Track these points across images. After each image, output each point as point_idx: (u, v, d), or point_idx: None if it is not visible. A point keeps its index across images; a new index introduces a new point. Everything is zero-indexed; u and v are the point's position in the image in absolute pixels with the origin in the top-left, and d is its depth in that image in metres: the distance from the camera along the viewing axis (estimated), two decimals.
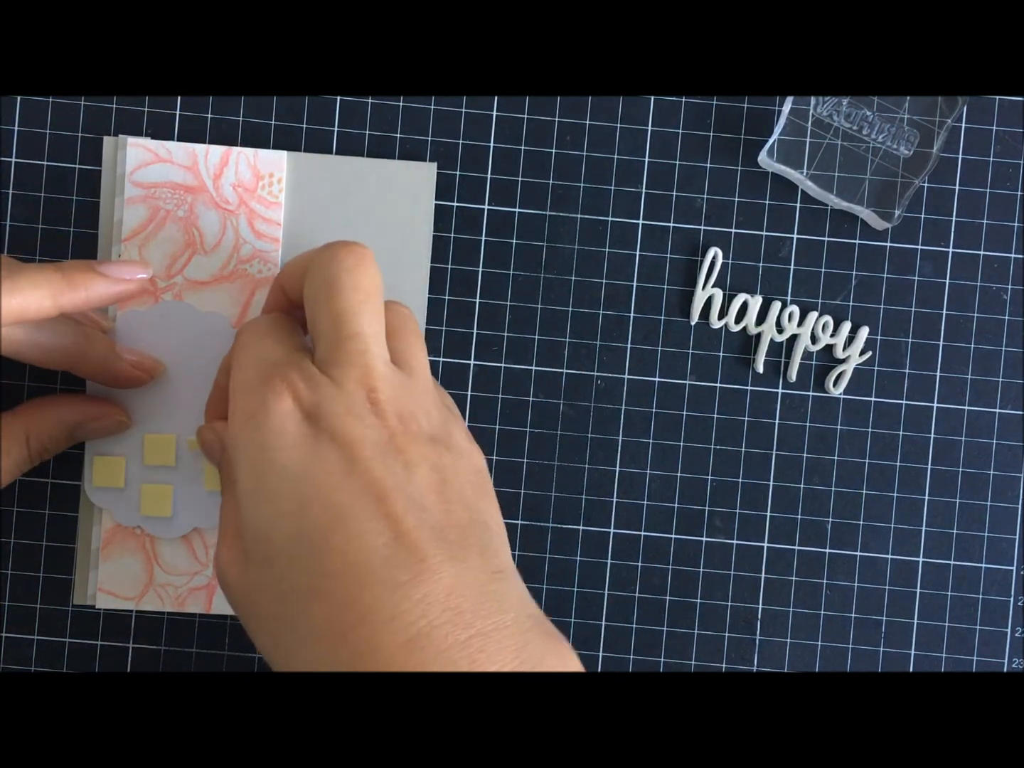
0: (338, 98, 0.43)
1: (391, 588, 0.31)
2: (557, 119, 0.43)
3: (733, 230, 0.44)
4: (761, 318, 0.44)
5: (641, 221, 0.44)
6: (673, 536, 0.44)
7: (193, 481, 0.42)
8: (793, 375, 0.44)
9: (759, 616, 0.44)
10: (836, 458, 0.44)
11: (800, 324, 0.44)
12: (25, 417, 0.40)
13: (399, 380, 0.34)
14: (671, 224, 0.44)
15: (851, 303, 0.44)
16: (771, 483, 0.44)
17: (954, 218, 0.44)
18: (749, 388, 0.44)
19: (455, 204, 0.43)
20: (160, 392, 0.42)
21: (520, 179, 0.43)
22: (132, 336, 0.42)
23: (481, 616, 0.31)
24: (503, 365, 0.43)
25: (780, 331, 0.44)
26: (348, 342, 0.34)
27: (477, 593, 0.31)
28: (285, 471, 0.32)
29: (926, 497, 0.44)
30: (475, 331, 0.43)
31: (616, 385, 0.44)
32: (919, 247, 0.44)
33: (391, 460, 0.33)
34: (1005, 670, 0.44)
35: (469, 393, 0.43)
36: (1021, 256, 0.44)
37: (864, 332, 0.43)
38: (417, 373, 0.35)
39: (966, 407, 0.44)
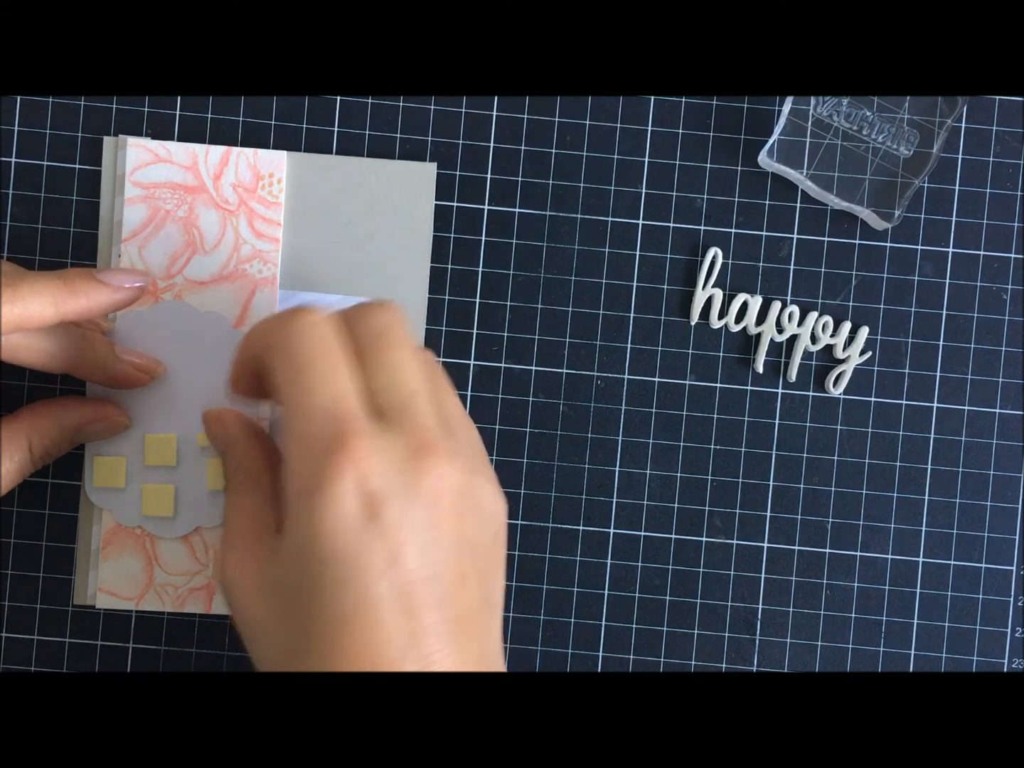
0: (338, 98, 0.43)
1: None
2: (557, 119, 0.43)
3: (733, 230, 0.44)
4: (761, 318, 0.44)
5: (641, 221, 0.44)
6: (673, 536, 0.44)
7: (195, 481, 0.42)
8: (793, 375, 0.44)
9: (759, 616, 0.44)
10: (836, 458, 0.44)
11: (800, 324, 0.44)
12: (26, 421, 0.40)
13: (450, 447, 0.34)
14: (671, 224, 0.44)
15: (851, 303, 0.44)
16: (771, 483, 0.44)
17: (954, 218, 0.44)
18: (749, 388, 0.44)
19: (455, 204, 0.43)
20: (160, 392, 0.42)
21: (520, 179, 0.43)
22: (132, 336, 0.42)
23: None
24: (503, 365, 0.43)
25: (780, 331, 0.44)
26: (410, 400, 0.34)
27: None
28: (333, 553, 0.32)
29: (926, 497, 0.44)
30: (475, 331, 0.43)
31: (616, 385, 0.44)
32: (919, 247, 0.44)
33: (431, 552, 0.33)
34: (1005, 670, 0.44)
35: (469, 393, 0.43)
36: (1021, 256, 0.44)
37: (864, 332, 0.43)
38: (457, 432, 0.35)
39: (966, 407, 0.44)
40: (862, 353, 0.44)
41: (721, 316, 0.44)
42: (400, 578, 0.32)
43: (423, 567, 0.32)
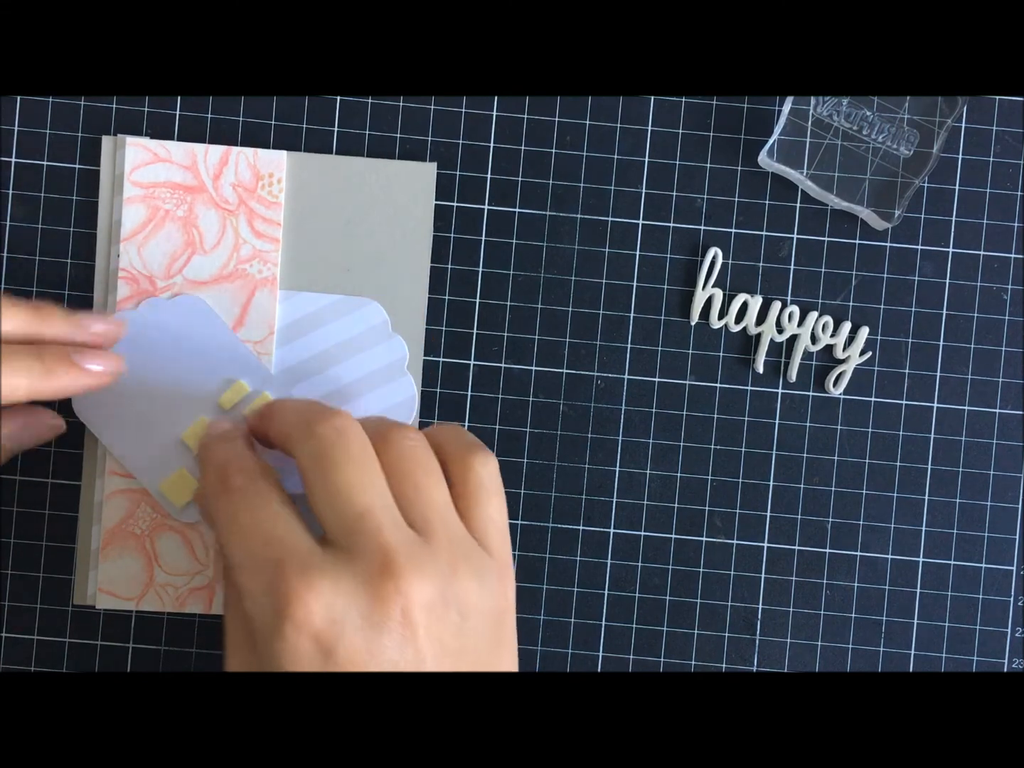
0: (338, 98, 0.43)
1: None
2: (557, 119, 0.43)
3: (733, 230, 0.44)
4: (761, 318, 0.44)
5: (641, 221, 0.44)
6: (673, 536, 0.44)
7: None
8: (793, 375, 0.44)
9: (759, 616, 0.44)
10: (836, 458, 0.44)
11: (800, 324, 0.44)
12: None
13: (416, 557, 0.33)
14: (671, 224, 0.44)
15: (851, 303, 0.44)
16: (771, 483, 0.44)
17: (954, 218, 0.44)
18: (749, 388, 0.44)
19: (455, 204, 0.43)
20: (167, 392, 0.41)
21: (520, 179, 0.43)
22: (133, 336, 0.41)
23: None
24: (503, 365, 0.43)
25: (780, 331, 0.44)
26: (359, 521, 0.33)
27: None
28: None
29: (926, 497, 0.44)
30: (475, 331, 0.43)
31: (616, 385, 0.44)
32: (919, 247, 0.44)
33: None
34: (1005, 670, 0.44)
35: (469, 393, 0.43)
36: (1021, 256, 0.44)
37: (864, 332, 0.43)
38: (432, 528, 0.34)
39: (966, 407, 0.44)
40: (862, 353, 0.44)
41: (721, 316, 0.44)
42: None
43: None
